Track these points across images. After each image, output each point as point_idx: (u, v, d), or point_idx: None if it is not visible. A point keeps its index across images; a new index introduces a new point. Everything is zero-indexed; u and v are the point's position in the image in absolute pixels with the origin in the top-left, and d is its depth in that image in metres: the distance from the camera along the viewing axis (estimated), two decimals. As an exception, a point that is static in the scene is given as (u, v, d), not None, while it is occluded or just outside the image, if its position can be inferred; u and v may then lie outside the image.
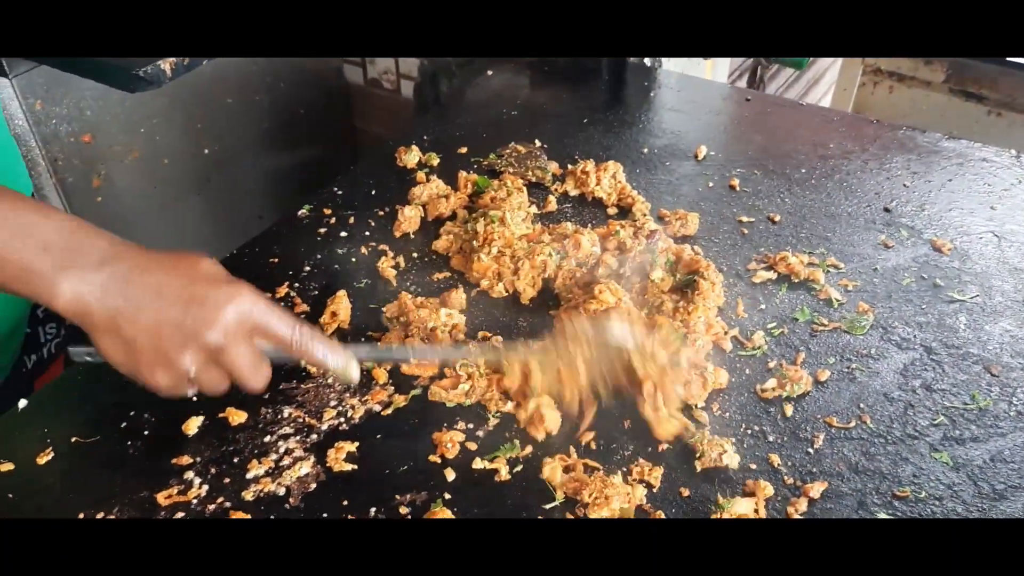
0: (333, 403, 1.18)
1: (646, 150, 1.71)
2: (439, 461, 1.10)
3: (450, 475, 1.08)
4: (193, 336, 0.90)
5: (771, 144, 1.72)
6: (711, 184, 1.61)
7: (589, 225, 1.48)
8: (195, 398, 0.98)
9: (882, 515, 1.03)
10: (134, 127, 2.21)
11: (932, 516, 1.03)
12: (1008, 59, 2.77)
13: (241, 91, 2.50)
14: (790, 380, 1.19)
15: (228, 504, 1.05)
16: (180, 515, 1.04)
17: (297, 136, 2.76)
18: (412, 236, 1.50)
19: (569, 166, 1.62)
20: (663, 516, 1.03)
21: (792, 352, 1.25)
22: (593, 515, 1.02)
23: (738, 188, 1.60)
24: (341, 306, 1.31)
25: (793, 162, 1.66)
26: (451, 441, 1.12)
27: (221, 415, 1.16)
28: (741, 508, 1.04)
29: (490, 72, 2.01)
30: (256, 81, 2.55)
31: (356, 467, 1.10)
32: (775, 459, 1.10)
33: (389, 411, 1.17)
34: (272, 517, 1.03)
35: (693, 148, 1.70)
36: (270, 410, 1.17)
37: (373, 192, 1.60)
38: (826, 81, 3.50)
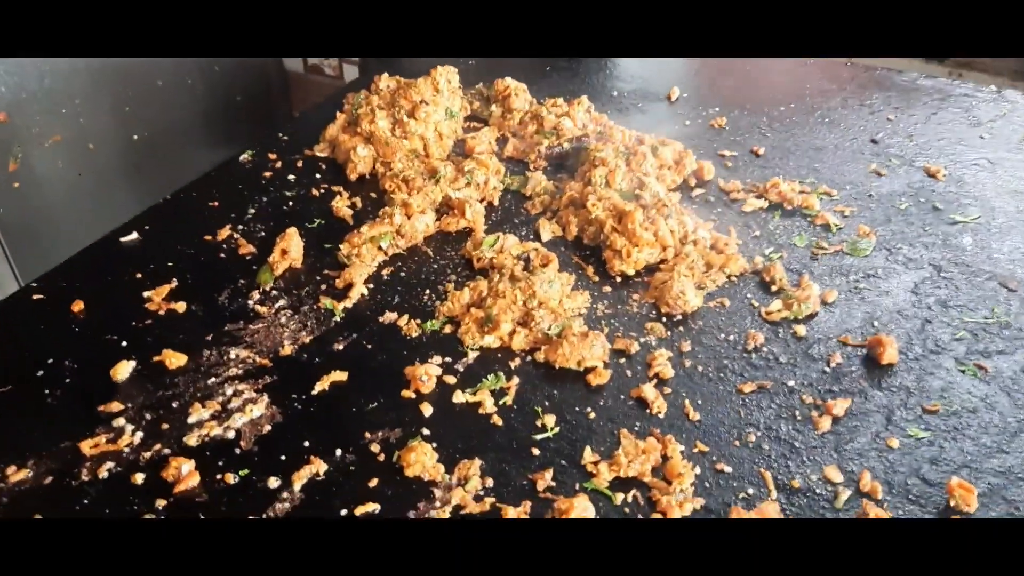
0: (288, 342, 1.03)
1: (615, 93, 1.61)
2: (414, 396, 0.96)
3: (427, 410, 0.94)
4: None
5: (744, 86, 1.64)
6: (687, 123, 1.51)
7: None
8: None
9: (913, 429, 0.92)
10: (55, 108, 2.04)
11: (967, 428, 0.92)
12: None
13: (172, 73, 2.33)
14: (796, 300, 1.08)
15: (167, 451, 0.89)
16: (109, 465, 0.87)
17: (233, 124, 2.59)
18: (368, 178, 1.36)
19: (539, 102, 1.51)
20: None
21: (795, 276, 1.14)
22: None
23: (716, 126, 1.50)
24: (292, 243, 1.17)
25: (770, 101, 1.57)
26: (426, 374, 0.98)
27: (157, 358, 1.00)
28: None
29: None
30: (188, 62, 2.38)
31: (315, 407, 0.95)
32: (791, 381, 0.98)
33: (343, 346, 1.03)
34: (221, 463, 0.88)
35: (665, 91, 1.60)
36: (214, 352, 1.01)
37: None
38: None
